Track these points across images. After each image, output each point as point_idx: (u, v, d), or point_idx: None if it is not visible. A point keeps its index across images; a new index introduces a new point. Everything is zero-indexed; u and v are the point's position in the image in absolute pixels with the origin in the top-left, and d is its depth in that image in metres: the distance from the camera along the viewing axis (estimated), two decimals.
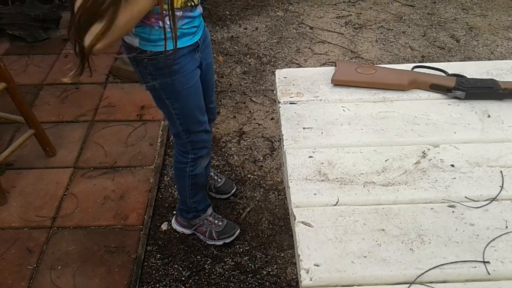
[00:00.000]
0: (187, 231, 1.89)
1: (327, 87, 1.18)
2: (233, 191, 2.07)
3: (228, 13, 3.52)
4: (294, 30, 3.30)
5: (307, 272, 0.75)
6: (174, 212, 1.97)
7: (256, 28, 3.32)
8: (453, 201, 0.87)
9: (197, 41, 1.43)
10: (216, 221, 1.84)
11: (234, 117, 2.52)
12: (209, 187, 2.02)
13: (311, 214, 0.85)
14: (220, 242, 1.84)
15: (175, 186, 1.84)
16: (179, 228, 1.90)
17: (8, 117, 2.20)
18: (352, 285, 0.75)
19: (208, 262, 1.80)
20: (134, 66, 1.43)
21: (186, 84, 1.47)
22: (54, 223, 1.94)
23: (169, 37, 1.29)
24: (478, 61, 2.61)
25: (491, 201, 0.87)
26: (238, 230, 1.87)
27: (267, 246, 1.86)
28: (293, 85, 1.19)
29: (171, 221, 1.94)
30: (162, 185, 2.13)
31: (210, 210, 1.84)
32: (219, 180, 2.03)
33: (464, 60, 2.96)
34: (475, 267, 0.76)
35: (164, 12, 1.20)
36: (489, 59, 2.97)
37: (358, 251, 0.79)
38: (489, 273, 0.75)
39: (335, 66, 1.21)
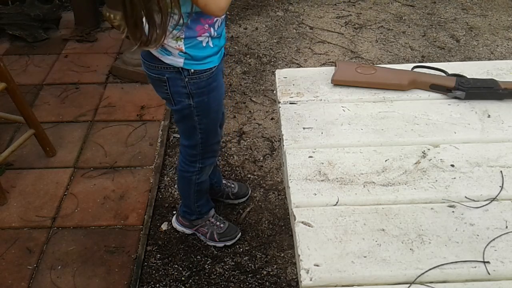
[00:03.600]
0: (187, 231, 1.89)
1: (327, 87, 1.18)
2: (250, 191, 2.07)
3: (228, 13, 3.51)
4: (294, 30, 3.30)
5: (307, 272, 0.75)
6: (174, 212, 1.97)
7: (256, 28, 3.32)
8: (453, 201, 0.87)
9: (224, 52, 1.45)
10: (218, 223, 1.84)
11: (234, 117, 2.51)
12: (226, 195, 2.01)
13: (311, 214, 0.85)
14: (221, 244, 1.84)
15: (178, 191, 1.84)
16: (180, 228, 1.89)
17: (8, 117, 2.20)
18: (352, 285, 0.75)
19: (208, 262, 1.80)
20: (164, 88, 1.39)
21: (219, 99, 1.49)
22: (54, 223, 1.94)
23: (215, 53, 1.35)
24: (478, 61, 2.62)
25: (491, 201, 0.87)
26: (240, 234, 1.87)
27: (267, 246, 1.86)
28: (293, 85, 1.19)
29: (171, 221, 1.94)
30: (162, 185, 2.13)
31: (212, 211, 1.84)
32: (232, 186, 2.02)
33: (464, 60, 2.96)
34: (475, 267, 0.76)
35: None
36: (489, 59, 2.97)
37: (358, 251, 0.79)
38: (489, 273, 0.75)
39: (335, 66, 1.21)
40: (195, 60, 1.33)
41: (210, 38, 1.32)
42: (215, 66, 1.38)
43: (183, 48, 1.29)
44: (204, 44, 1.31)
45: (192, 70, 1.34)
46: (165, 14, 1.16)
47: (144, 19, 1.19)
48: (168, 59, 1.32)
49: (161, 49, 1.31)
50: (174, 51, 1.30)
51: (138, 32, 1.21)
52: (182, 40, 1.28)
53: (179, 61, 1.32)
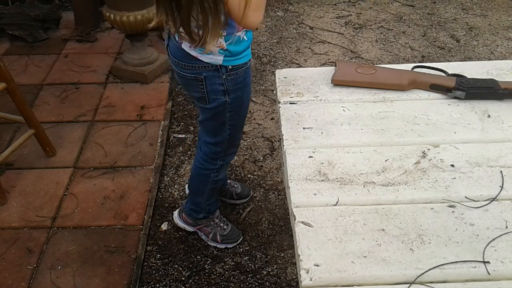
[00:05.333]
0: (189, 228, 1.88)
1: (327, 87, 1.18)
2: (251, 193, 2.07)
3: None
4: (294, 30, 3.30)
5: (307, 272, 0.75)
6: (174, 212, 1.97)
7: (256, 28, 3.32)
8: (453, 201, 0.88)
9: None
10: (221, 224, 1.84)
11: None
12: (229, 195, 2.01)
13: (311, 214, 0.85)
14: (222, 246, 1.84)
15: (190, 188, 1.83)
16: (181, 224, 1.88)
17: (8, 117, 2.20)
18: (352, 285, 0.75)
19: (208, 262, 1.80)
20: (200, 87, 1.39)
21: (249, 94, 1.51)
22: (54, 223, 1.94)
23: (248, 46, 1.36)
24: (478, 61, 2.62)
25: (491, 201, 0.87)
26: (241, 238, 1.87)
27: (267, 246, 1.86)
28: (293, 85, 1.19)
29: (171, 220, 1.93)
30: (162, 185, 2.13)
31: (218, 212, 1.84)
32: (236, 186, 2.03)
33: (464, 60, 2.96)
34: (475, 267, 0.76)
35: None
36: (489, 59, 2.97)
37: (358, 251, 0.79)
38: (489, 273, 0.75)
39: (335, 66, 1.21)
40: (233, 56, 1.34)
41: (245, 32, 1.34)
42: (249, 60, 1.40)
43: (224, 45, 1.30)
44: (241, 39, 1.33)
45: (230, 67, 1.35)
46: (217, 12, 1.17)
47: (196, 20, 1.20)
48: (207, 58, 1.32)
49: (200, 48, 1.30)
50: (214, 49, 1.30)
51: (193, 32, 1.22)
52: (223, 37, 1.29)
53: (218, 59, 1.33)
